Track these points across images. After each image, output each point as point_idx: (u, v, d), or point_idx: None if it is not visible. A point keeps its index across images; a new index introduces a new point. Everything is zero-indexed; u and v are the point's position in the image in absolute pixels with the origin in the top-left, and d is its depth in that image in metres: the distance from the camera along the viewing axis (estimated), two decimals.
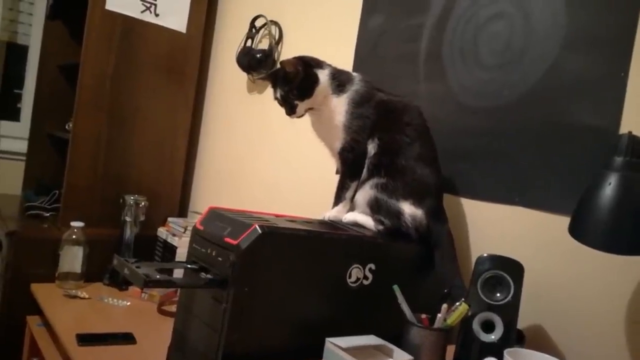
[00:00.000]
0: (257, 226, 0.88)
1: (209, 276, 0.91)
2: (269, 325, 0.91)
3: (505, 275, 0.97)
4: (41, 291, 1.81)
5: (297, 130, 1.88)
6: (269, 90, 2.03)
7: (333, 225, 1.10)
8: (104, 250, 1.91)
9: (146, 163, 2.29)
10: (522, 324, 1.03)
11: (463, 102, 1.31)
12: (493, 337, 0.96)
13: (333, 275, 0.98)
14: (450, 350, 0.98)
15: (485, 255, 0.99)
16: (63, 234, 1.88)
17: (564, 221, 1.04)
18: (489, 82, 1.25)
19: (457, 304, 0.95)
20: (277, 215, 1.06)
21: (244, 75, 2.15)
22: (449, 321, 0.96)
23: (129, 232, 2.06)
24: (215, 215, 0.98)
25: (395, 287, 0.97)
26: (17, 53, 2.92)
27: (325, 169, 1.72)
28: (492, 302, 0.97)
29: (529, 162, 1.15)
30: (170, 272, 0.90)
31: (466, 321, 0.97)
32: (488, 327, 0.97)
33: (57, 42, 2.64)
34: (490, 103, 1.24)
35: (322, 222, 1.12)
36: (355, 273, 1.00)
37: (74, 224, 1.88)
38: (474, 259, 1.01)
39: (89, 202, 2.15)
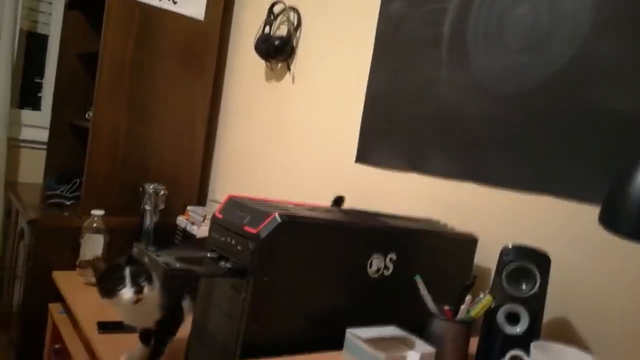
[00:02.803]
0: (276, 215, 0.86)
1: (228, 265, 0.90)
2: (289, 315, 0.90)
3: (531, 266, 0.94)
4: (63, 279, 1.84)
5: (315, 118, 1.86)
6: (288, 78, 2.01)
7: (354, 214, 1.08)
8: (124, 239, 1.93)
9: (165, 152, 2.29)
10: (547, 316, 1.00)
11: (487, 88, 1.27)
12: (518, 329, 0.93)
13: (353, 265, 0.96)
14: (474, 342, 0.96)
15: (510, 245, 0.97)
16: (84, 222, 1.89)
17: (593, 211, 1.02)
18: (514, 67, 1.21)
19: (481, 295, 0.93)
20: (296, 204, 1.04)
21: (262, 63, 2.13)
22: (472, 313, 0.93)
23: (148, 221, 2.07)
24: (235, 203, 0.97)
25: (417, 278, 0.95)
26: (38, 42, 2.94)
27: (344, 155, 1.70)
28: (517, 294, 0.94)
29: (556, 150, 1.11)
30: (191, 260, 0.89)
31: (490, 313, 0.94)
32: (513, 319, 0.95)
33: (77, 31, 2.65)
34: (515, 89, 1.20)
35: (343, 211, 1.10)
36: (376, 263, 0.98)
37: (94, 212, 1.89)
38: (498, 250, 0.98)
39: (109, 190, 2.16)
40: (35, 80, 2.96)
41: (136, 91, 2.19)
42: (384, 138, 1.56)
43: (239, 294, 0.87)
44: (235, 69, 2.41)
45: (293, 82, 1.99)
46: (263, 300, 0.86)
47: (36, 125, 2.86)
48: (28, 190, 2.57)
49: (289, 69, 2.00)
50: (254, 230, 0.86)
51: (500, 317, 0.94)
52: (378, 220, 1.04)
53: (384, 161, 1.54)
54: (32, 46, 2.93)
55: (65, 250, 1.95)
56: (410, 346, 0.91)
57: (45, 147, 2.72)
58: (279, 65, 2.05)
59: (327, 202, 1.48)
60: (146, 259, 0.85)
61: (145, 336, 1.28)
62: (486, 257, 1.18)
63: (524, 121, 1.18)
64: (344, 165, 1.70)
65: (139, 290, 1.09)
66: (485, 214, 1.24)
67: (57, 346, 1.77)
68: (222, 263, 0.92)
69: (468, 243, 1.15)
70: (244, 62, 2.33)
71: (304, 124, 1.92)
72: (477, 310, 0.93)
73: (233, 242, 0.91)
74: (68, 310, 1.72)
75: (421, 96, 1.44)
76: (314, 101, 1.87)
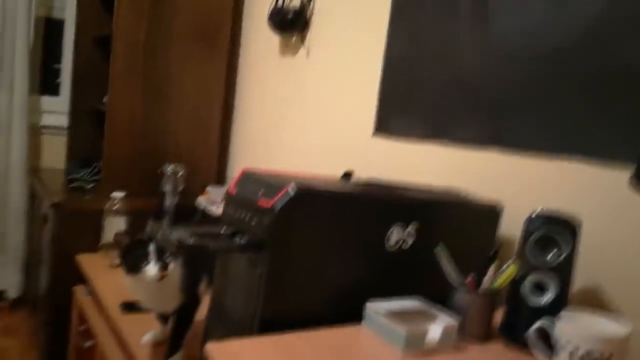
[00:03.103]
0: (291, 187, 0.84)
1: (244, 240, 0.88)
2: (306, 290, 0.88)
3: (559, 233, 0.90)
4: (86, 261, 1.85)
5: (331, 91, 1.82)
6: (302, 52, 1.97)
7: (373, 184, 1.05)
8: (145, 220, 1.93)
9: (182, 132, 2.28)
10: (576, 285, 0.97)
11: (509, 48, 1.21)
12: (545, 299, 0.90)
13: (373, 237, 0.93)
14: (498, 314, 0.93)
15: (536, 212, 0.92)
16: (105, 205, 1.90)
17: (625, 174, 0.97)
18: (539, 25, 1.15)
19: (506, 265, 0.89)
20: (312, 177, 1.01)
21: (276, 38, 2.09)
22: (496, 284, 0.90)
23: (168, 202, 2.06)
24: (248, 178, 0.95)
25: (439, 248, 0.92)
26: (54, 27, 2.94)
27: (361, 128, 1.66)
28: (543, 263, 0.90)
29: (585, 112, 1.05)
30: (205, 236, 0.88)
31: (515, 283, 0.91)
32: (539, 289, 0.91)
33: (92, 14, 2.63)
34: (540, 48, 1.14)
35: (361, 183, 1.06)
36: (396, 234, 0.95)
37: (114, 194, 1.90)
38: (524, 219, 0.94)
39: (129, 173, 2.17)
40: (54, 66, 2.97)
41: (151, 73, 2.18)
42: (402, 108, 1.51)
43: (255, 270, 0.85)
44: (250, 45, 2.37)
45: (308, 55, 1.94)
46: (280, 274, 0.84)
47: (56, 111, 2.88)
48: (51, 175, 2.60)
49: (303, 42, 1.96)
50: (268, 204, 0.84)
51: (526, 287, 0.90)
52: (397, 191, 1.01)
53: (403, 132, 1.50)
54: (49, 32, 2.94)
55: (88, 233, 1.96)
56: (433, 319, 0.88)
57: (66, 132, 2.75)
58: (293, 39, 2.01)
59: None
60: (159, 236, 0.83)
61: (163, 317, 1.28)
62: (511, 227, 1.14)
63: (550, 82, 1.12)
64: (361, 138, 1.67)
65: (164, 267, 1.08)
66: (510, 182, 1.19)
67: (83, 327, 1.79)
68: (238, 239, 0.90)
69: (492, 212, 1.11)
70: (258, 38, 2.29)
71: (320, 98, 1.88)
72: (502, 280, 0.89)
73: (248, 217, 0.89)
74: (92, 292, 1.74)
75: (441, 62, 1.39)
76: (330, 74, 1.83)
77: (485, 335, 0.90)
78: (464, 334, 0.88)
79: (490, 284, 0.90)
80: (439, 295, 0.93)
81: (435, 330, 0.83)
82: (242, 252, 0.86)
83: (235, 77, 2.46)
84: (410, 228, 0.96)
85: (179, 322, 1.20)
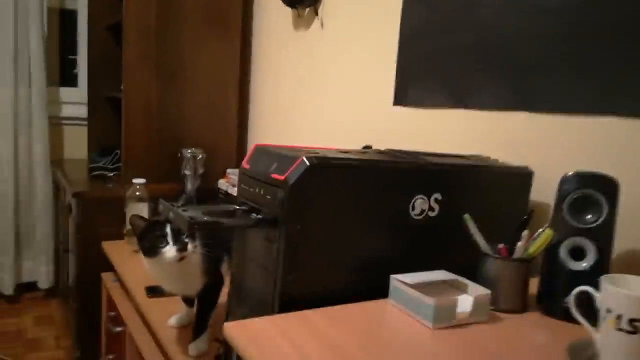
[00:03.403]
0: (304, 158, 0.79)
1: (259, 216, 0.84)
2: (327, 264, 0.83)
3: (596, 194, 0.83)
4: (112, 248, 1.85)
5: (348, 63, 1.76)
6: (316, 24, 1.91)
7: (392, 153, 0.99)
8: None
9: (200, 115, 2.25)
10: (617, 249, 0.90)
11: (537, 1, 1.13)
12: (584, 264, 0.84)
13: (394, 209, 0.88)
14: (533, 283, 0.87)
15: (570, 173, 0.86)
16: (127, 192, 1.89)
17: None
18: None
19: (540, 230, 0.83)
20: (327, 148, 0.97)
21: (289, 11, 2.03)
22: (531, 250, 0.84)
23: (190, 186, 2.05)
24: (261, 152, 0.90)
25: (467, 217, 0.86)
26: (68, 18, 2.94)
27: (380, 100, 1.60)
28: (581, 226, 0.84)
29: (622, 65, 0.97)
30: (219, 213, 0.84)
31: (551, 249, 0.85)
32: (577, 254, 0.84)
33: (103, 2, 2.62)
34: None
35: (380, 152, 1.01)
36: (420, 204, 0.89)
37: (135, 181, 1.88)
38: (557, 183, 0.87)
39: (148, 158, 2.16)
40: (70, 57, 2.97)
41: (164, 57, 2.14)
42: (422, 75, 1.44)
43: (272, 246, 0.81)
44: (263, 22, 2.31)
45: (322, 27, 1.88)
46: (298, 249, 0.80)
47: (76, 102, 2.89)
48: (74, 166, 2.62)
49: (316, 13, 1.89)
50: (281, 177, 0.80)
51: (563, 252, 0.84)
52: (420, 159, 0.95)
53: (425, 100, 1.43)
54: (64, 24, 2.94)
55: (112, 220, 1.96)
56: (463, 289, 0.83)
57: (85, 122, 2.75)
58: (306, 11, 1.94)
59: None
60: (171, 214, 0.80)
61: (188, 299, 1.26)
62: (543, 193, 1.07)
63: (582, 35, 1.04)
64: (381, 110, 1.60)
65: (182, 248, 1.05)
66: (541, 145, 1.12)
67: (112, 313, 1.80)
68: (254, 215, 0.86)
69: (522, 177, 1.04)
70: (271, 14, 2.23)
71: (336, 71, 1.82)
72: (536, 246, 0.83)
73: (262, 191, 0.85)
74: (119, 278, 1.74)
75: (461, 24, 1.31)
76: (345, 45, 1.76)
77: (520, 306, 0.85)
78: (497, 306, 0.83)
79: (524, 250, 0.84)
80: (469, 266, 0.87)
81: (466, 301, 0.78)
82: (256, 227, 0.82)
83: (250, 56, 2.41)
84: (436, 195, 0.90)
85: (203, 304, 1.18)
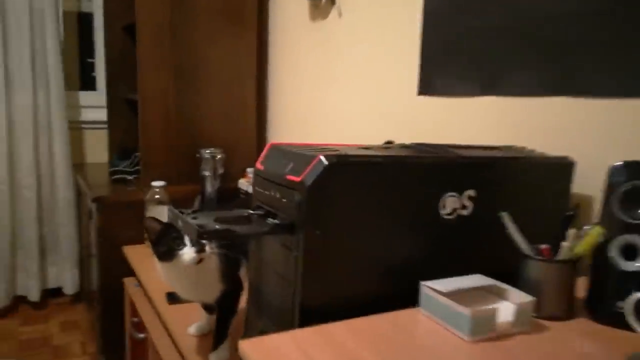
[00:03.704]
0: (322, 157, 0.72)
1: (275, 221, 0.78)
2: (351, 272, 0.76)
3: None
4: (133, 253, 1.82)
5: (368, 52, 1.68)
6: (334, 13, 1.83)
7: (418, 147, 0.92)
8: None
9: (217, 114, 2.20)
10: None
11: None
12: (637, 264, 0.74)
13: (422, 208, 0.80)
14: (580, 286, 0.79)
15: (619, 163, 0.77)
16: (146, 195, 1.86)
17: None
18: None
19: (588, 227, 0.75)
20: (347, 145, 0.89)
21: (305, 1, 1.96)
22: (577, 250, 0.76)
23: (209, 187, 2.01)
24: (276, 151, 0.84)
25: (504, 215, 0.78)
26: (85, 21, 2.92)
27: (404, 90, 1.52)
28: (633, 222, 0.74)
29: None
30: (233, 220, 0.78)
31: (600, 248, 0.76)
32: (630, 253, 0.75)
33: (118, 3, 2.59)
34: None
35: (405, 146, 0.93)
36: (451, 202, 0.82)
37: (154, 183, 1.85)
38: (602, 174, 0.78)
39: (167, 160, 2.12)
40: (88, 60, 2.96)
41: (179, 56, 2.10)
42: (449, 62, 1.35)
43: (291, 253, 0.75)
44: (278, 15, 2.24)
45: (340, 15, 1.80)
46: (318, 257, 0.73)
47: (95, 105, 2.87)
48: (95, 170, 2.60)
49: (333, 2, 1.81)
50: (297, 178, 0.73)
51: (614, 251, 0.75)
52: (449, 152, 0.87)
53: (452, 88, 1.35)
54: (82, 27, 2.93)
55: (133, 224, 1.93)
56: (503, 296, 0.75)
57: (106, 126, 2.74)
58: (323, 0, 1.86)
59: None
60: (180, 223, 0.74)
61: (208, 306, 1.21)
62: (586, 185, 0.98)
63: (626, 13, 0.94)
64: (405, 100, 1.52)
65: (200, 249, 1.00)
66: (582, 133, 1.03)
67: (135, 319, 1.77)
68: (270, 219, 0.79)
69: (562, 168, 0.95)
70: (286, 5, 2.16)
71: (356, 62, 1.74)
72: (584, 245, 0.75)
73: (278, 194, 0.78)
74: (141, 283, 1.71)
75: (490, 2, 1.21)
76: (365, 34, 1.68)
77: (567, 312, 0.76)
78: (540, 312, 0.75)
79: (570, 250, 0.76)
80: (507, 269, 0.79)
81: (507, 309, 0.70)
82: (272, 234, 0.76)
83: (266, 50, 2.35)
84: (469, 192, 0.82)
85: (222, 311, 1.13)
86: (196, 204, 1.12)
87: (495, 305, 0.70)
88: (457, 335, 0.68)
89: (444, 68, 1.37)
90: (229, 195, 2.06)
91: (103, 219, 1.97)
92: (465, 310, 0.67)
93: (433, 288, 0.72)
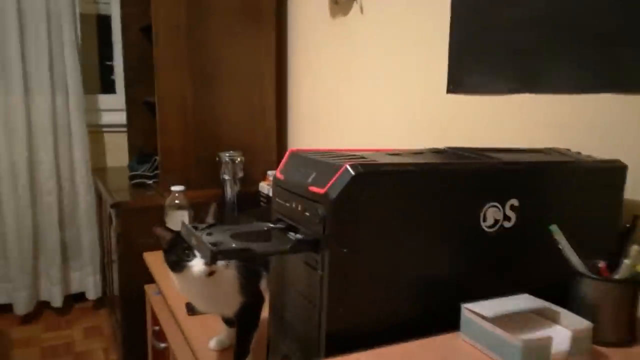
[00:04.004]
0: (348, 166, 0.65)
1: (298, 236, 0.71)
2: (382, 292, 0.69)
3: None
4: (153, 259, 1.78)
5: (392, 49, 1.59)
6: (355, 8, 1.75)
7: (452, 152, 0.83)
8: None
9: (236, 116, 2.14)
10: None
11: None
12: None
13: (460, 221, 0.72)
14: None
15: None
16: (166, 200, 1.81)
17: None
18: None
19: None
20: (375, 151, 0.82)
21: None
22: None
23: (230, 191, 1.95)
24: (297, 159, 0.77)
25: (554, 228, 0.70)
26: (103, 24, 2.90)
27: (431, 88, 1.43)
28: None
29: None
30: (251, 235, 0.71)
31: None
32: None
33: (135, 5, 2.56)
34: None
35: (438, 151, 0.85)
36: (492, 214, 0.73)
37: (174, 188, 1.80)
38: None
39: (186, 164, 2.07)
40: (106, 63, 2.93)
41: (196, 57, 2.04)
42: (480, 57, 1.26)
43: (315, 272, 0.68)
44: (297, 13, 2.17)
45: (362, 11, 1.72)
46: (345, 278, 0.66)
47: (114, 108, 2.85)
48: (116, 174, 2.57)
49: None
50: (321, 190, 0.66)
51: None
52: (488, 158, 0.79)
53: (484, 85, 1.26)
54: (100, 30, 2.90)
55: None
56: (554, 319, 0.67)
57: (125, 129, 2.71)
58: None
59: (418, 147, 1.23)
60: (194, 241, 0.68)
61: (228, 319, 1.15)
62: (638, 191, 0.89)
63: None
64: (432, 99, 1.43)
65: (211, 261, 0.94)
66: (633, 133, 0.93)
67: (156, 328, 1.72)
68: (291, 234, 0.72)
69: (614, 172, 0.86)
70: (305, 2, 2.09)
71: (380, 60, 1.66)
72: None
73: (299, 207, 0.71)
74: (161, 291, 1.67)
75: None
76: (389, 29, 1.60)
77: (629, 338, 0.67)
78: (598, 338, 0.66)
79: (631, 266, 0.67)
80: (556, 287, 0.71)
81: (563, 336, 0.62)
82: (294, 252, 0.69)
83: (285, 49, 2.28)
84: (512, 202, 0.74)
85: (243, 326, 1.07)
86: (210, 216, 1.06)
87: (548, 332, 0.62)
88: None
89: (475, 64, 1.28)
90: (249, 200, 2.00)
91: (122, 225, 1.94)
92: (515, 341, 0.59)
93: (476, 312, 0.64)
